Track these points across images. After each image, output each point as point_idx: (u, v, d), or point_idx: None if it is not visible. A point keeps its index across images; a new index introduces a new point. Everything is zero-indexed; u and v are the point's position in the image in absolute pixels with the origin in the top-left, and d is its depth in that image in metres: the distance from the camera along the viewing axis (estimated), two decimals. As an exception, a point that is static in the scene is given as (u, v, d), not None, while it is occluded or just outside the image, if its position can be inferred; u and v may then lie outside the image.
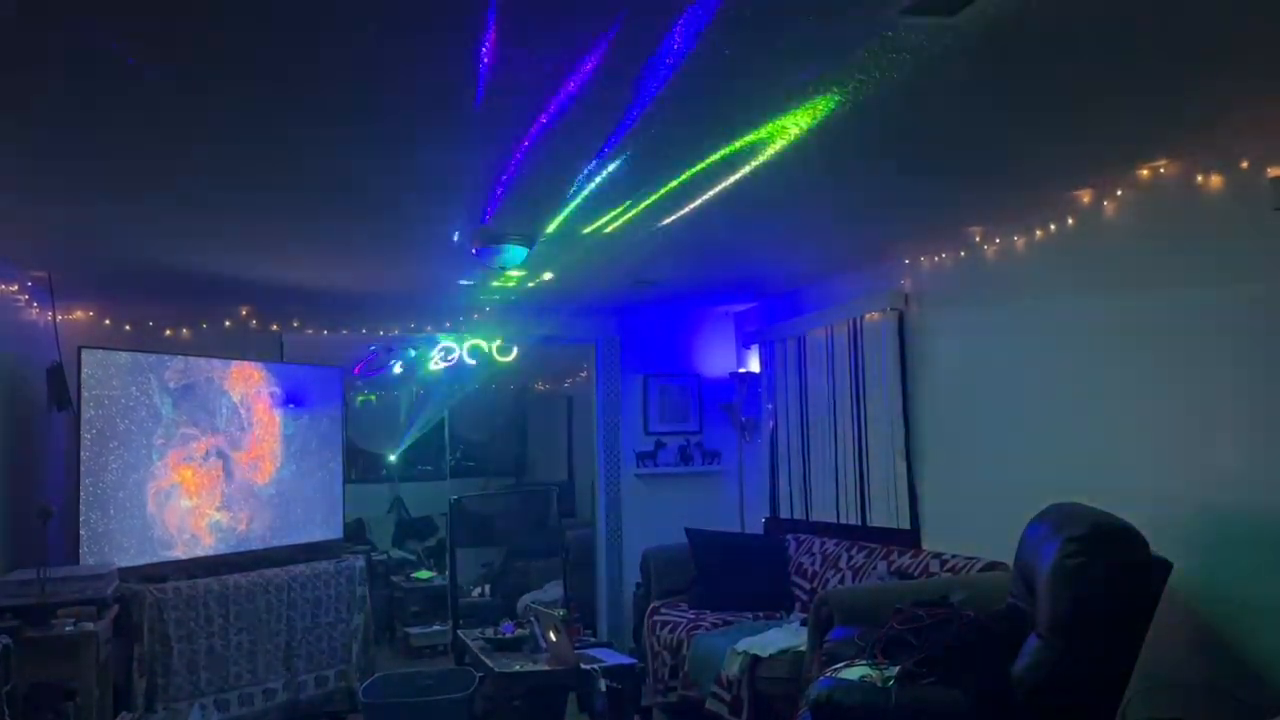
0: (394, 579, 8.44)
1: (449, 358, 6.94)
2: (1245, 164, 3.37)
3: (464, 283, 5.08)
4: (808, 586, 5.75)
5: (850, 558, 5.53)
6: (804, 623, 4.89)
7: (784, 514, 6.50)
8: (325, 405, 6.26)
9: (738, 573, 5.95)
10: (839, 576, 5.50)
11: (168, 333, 6.22)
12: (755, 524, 6.91)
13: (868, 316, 5.54)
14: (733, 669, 4.58)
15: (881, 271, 5.50)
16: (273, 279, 5.34)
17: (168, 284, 5.38)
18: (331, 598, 5.77)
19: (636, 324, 7.26)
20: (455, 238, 4.47)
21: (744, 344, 6.94)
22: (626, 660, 4.65)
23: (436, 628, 7.61)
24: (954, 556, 4.79)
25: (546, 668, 4.45)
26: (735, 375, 7.06)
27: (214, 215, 4.03)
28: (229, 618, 5.17)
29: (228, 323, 6.32)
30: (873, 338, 5.49)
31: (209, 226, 4.21)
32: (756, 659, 4.50)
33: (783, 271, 5.91)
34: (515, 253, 4.66)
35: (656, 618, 5.82)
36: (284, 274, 5.24)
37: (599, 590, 7.06)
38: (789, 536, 6.29)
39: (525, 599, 8.09)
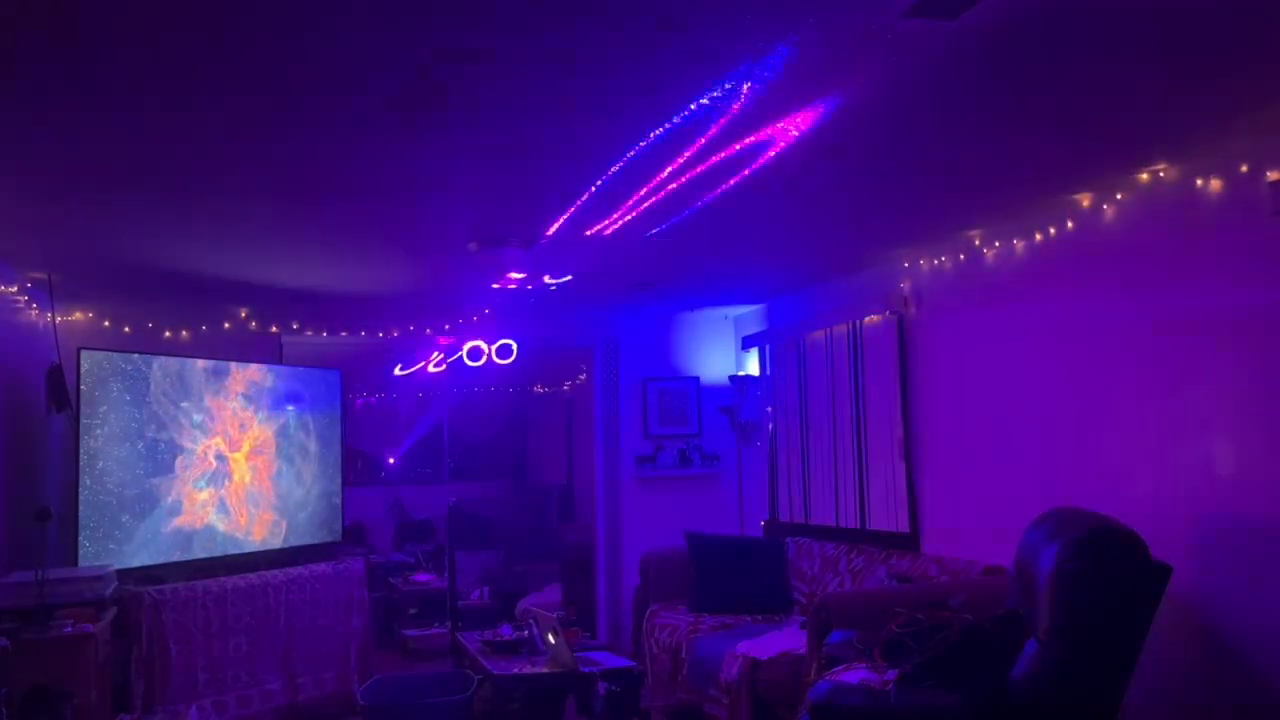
0: (392, 581, 8.44)
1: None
2: (1244, 168, 3.37)
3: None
4: (807, 590, 5.74)
5: (850, 561, 5.53)
6: (803, 625, 4.89)
7: (783, 517, 6.50)
8: (324, 407, 6.26)
9: (737, 576, 5.94)
10: (838, 580, 5.50)
11: (166, 334, 6.22)
12: (754, 527, 6.91)
13: (868, 319, 5.55)
14: (732, 672, 4.57)
15: (881, 274, 5.51)
16: (272, 281, 5.34)
17: (167, 286, 5.38)
18: (330, 600, 5.76)
19: (636, 327, 7.26)
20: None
21: (743, 347, 6.94)
22: (625, 663, 4.65)
23: (435, 630, 7.60)
24: (954, 560, 4.79)
25: (545, 670, 4.45)
26: (735, 379, 7.06)
27: (214, 218, 4.02)
28: (227, 620, 5.16)
29: (227, 324, 6.32)
30: (873, 341, 5.49)
31: (210, 229, 4.20)
32: (756, 662, 4.49)
33: (783, 275, 5.92)
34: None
35: (656, 620, 5.81)
36: (284, 276, 5.24)
37: (599, 593, 7.05)
38: (788, 539, 6.28)
39: (524, 602, 8.10)
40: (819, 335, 6.07)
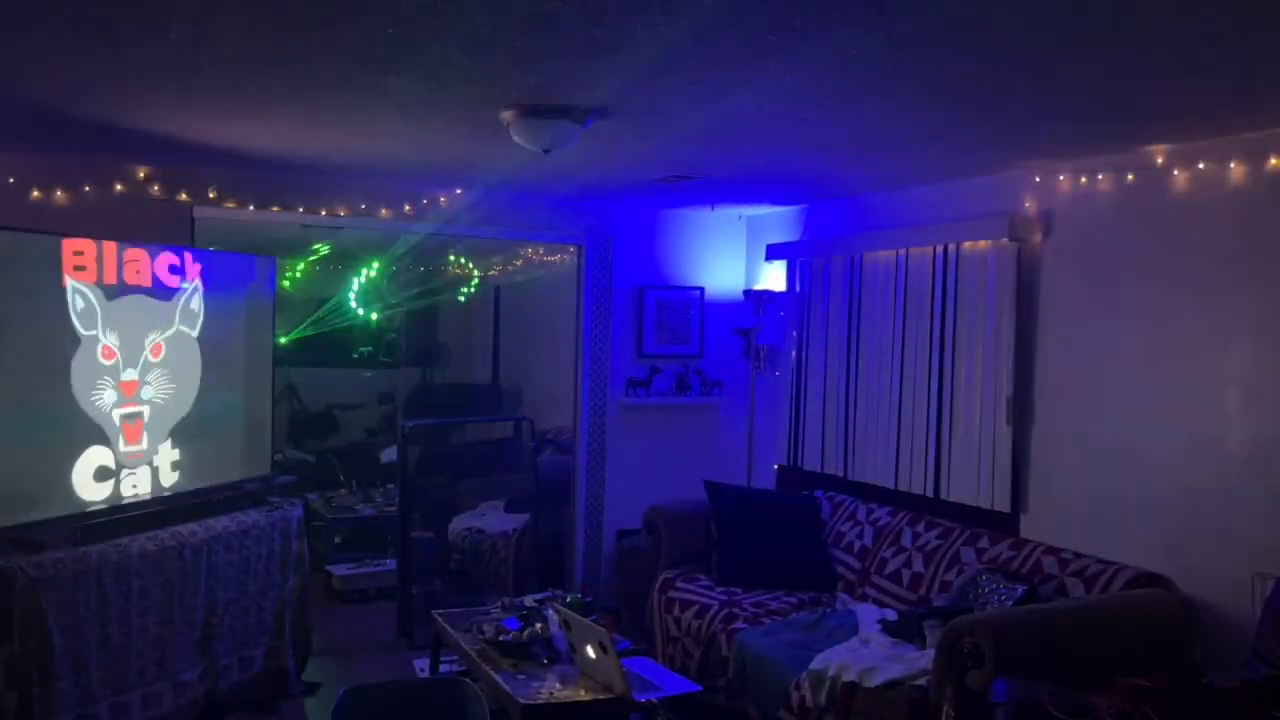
0: (310, 500, 7.09)
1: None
2: None
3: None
4: (856, 565, 4.78)
5: (917, 536, 4.57)
6: (891, 629, 3.92)
7: (808, 465, 5.49)
8: (253, 304, 4.82)
9: (767, 540, 4.93)
10: (902, 559, 4.54)
11: (34, 195, 4.63)
12: (765, 471, 5.89)
13: (968, 244, 4.45)
14: (819, 696, 3.57)
15: (992, 188, 4.40)
16: (185, 130, 3.90)
17: (36, 127, 3.88)
18: (262, 557, 4.48)
19: (634, 223, 5.99)
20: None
21: (769, 257, 5.77)
22: (689, 685, 3.58)
23: (369, 568, 6.38)
24: (1081, 557, 3.86)
25: (587, 696, 3.34)
26: (751, 294, 5.91)
27: (103, 34, 2.60)
28: (130, 596, 3.84)
29: (119, 186, 4.76)
30: (975, 271, 4.41)
31: (93, 47, 2.78)
32: (854, 688, 3.50)
33: (848, 175, 4.72)
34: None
35: (672, 594, 4.76)
36: (201, 125, 3.81)
37: (577, 535, 5.94)
38: (820, 495, 5.29)
39: (457, 522, 6.97)
40: (885, 256, 4.94)
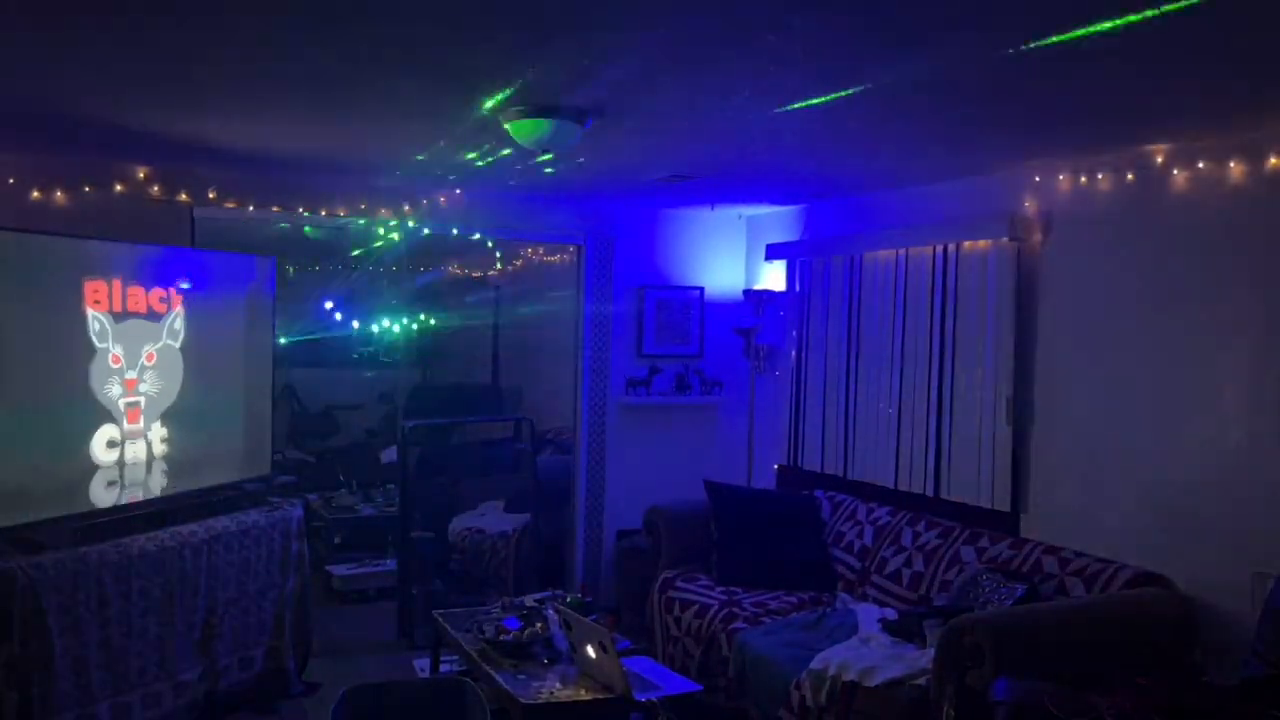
0: (310, 500, 7.10)
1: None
2: None
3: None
4: (856, 564, 4.78)
5: (917, 536, 4.57)
6: (892, 628, 3.92)
7: (808, 465, 5.49)
8: (252, 304, 4.83)
9: (767, 540, 4.93)
10: (902, 558, 4.54)
11: (34, 195, 4.63)
12: (765, 471, 5.89)
13: (968, 244, 4.45)
14: (819, 695, 3.57)
15: (992, 187, 4.40)
16: (185, 131, 3.92)
17: (36, 127, 3.89)
18: (262, 558, 4.48)
19: (634, 223, 5.99)
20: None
21: (769, 257, 5.77)
22: (689, 685, 3.58)
23: (370, 568, 6.38)
24: (1081, 556, 3.86)
25: (587, 696, 3.35)
26: (751, 293, 5.91)
27: (103, 34, 2.60)
28: (131, 596, 3.84)
29: (119, 186, 4.76)
30: (975, 270, 4.41)
31: (93, 47, 2.78)
32: (854, 688, 3.50)
33: (848, 175, 4.72)
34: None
35: (672, 593, 4.77)
36: (201, 125, 3.83)
37: (577, 535, 5.94)
38: (820, 495, 5.29)
39: (457, 522, 6.97)
40: (885, 255, 4.94)
